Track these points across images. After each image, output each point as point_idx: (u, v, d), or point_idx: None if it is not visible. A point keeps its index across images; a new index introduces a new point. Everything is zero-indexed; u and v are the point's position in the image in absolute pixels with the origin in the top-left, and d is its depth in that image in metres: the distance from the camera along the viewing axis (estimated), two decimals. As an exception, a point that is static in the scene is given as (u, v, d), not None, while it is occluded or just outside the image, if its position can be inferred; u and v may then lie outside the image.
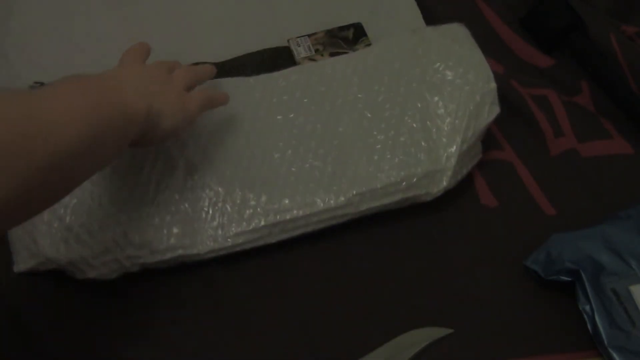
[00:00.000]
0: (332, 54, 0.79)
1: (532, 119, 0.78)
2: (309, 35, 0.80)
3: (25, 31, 0.79)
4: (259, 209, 0.67)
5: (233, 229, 0.66)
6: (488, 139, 0.75)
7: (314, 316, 0.65)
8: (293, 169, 0.69)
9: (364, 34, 0.81)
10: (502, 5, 0.88)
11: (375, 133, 0.71)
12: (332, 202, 0.67)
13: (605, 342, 0.61)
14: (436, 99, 0.72)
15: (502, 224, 0.71)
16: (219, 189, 0.67)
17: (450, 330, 0.64)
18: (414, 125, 0.71)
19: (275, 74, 0.74)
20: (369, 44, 0.80)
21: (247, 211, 0.67)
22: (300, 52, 0.79)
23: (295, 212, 0.67)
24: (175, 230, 0.65)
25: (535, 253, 0.67)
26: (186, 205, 0.66)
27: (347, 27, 0.81)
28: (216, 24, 0.82)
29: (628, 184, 0.75)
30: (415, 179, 0.69)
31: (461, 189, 0.72)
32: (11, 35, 0.79)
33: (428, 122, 0.71)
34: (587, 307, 0.63)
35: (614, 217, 0.69)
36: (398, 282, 0.67)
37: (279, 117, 0.71)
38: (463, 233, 0.71)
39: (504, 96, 0.76)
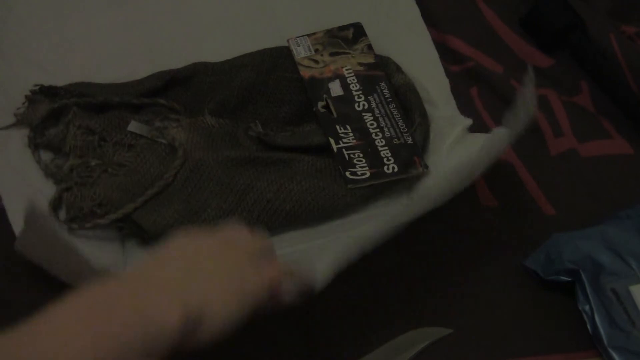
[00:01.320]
0: (332, 54, 0.79)
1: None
2: (308, 35, 0.80)
3: (25, 31, 0.79)
4: None
5: None
6: (488, 139, 0.75)
7: (314, 316, 0.65)
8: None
9: (364, 34, 0.81)
10: (502, 5, 0.88)
11: None
12: None
13: (605, 342, 0.61)
14: None
15: (502, 224, 0.71)
16: None
17: (450, 330, 0.64)
18: None
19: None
20: (369, 44, 0.79)
21: None
22: (300, 52, 0.79)
23: None
24: None
25: (535, 253, 0.67)
26: None
27: (347, 27, 0.81)
28: (216, 24, 0.82)
29: (628, 184, 0.75)
30: None
31: (461, 189, 0.72)
32: (11, 35, 0.79)
33: None
34: (587, 307, 0.63)
35: (614, 217, 0.69)
36: (398, 282, 0.67)
37: None
38: (463, 233, 0.71)
39: (504, 96, 0.76)
